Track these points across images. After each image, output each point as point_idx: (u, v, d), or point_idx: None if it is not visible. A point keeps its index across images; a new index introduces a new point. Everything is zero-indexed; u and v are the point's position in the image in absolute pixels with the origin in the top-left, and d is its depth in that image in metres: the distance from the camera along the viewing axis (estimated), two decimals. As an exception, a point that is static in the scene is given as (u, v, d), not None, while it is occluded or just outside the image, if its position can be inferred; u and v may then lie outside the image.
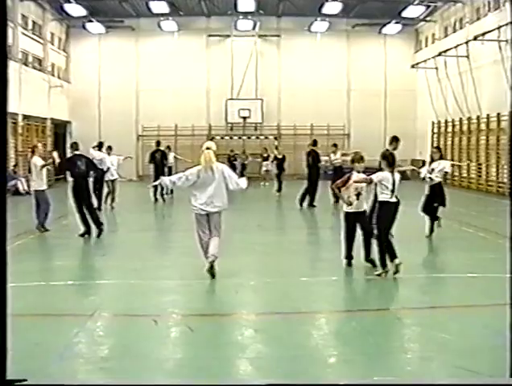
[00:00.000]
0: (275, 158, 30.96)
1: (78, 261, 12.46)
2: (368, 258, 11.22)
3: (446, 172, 15.84)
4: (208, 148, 10.57)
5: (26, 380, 4.65)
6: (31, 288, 10.06)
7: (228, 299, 9.68)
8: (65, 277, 10.72)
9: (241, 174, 29.80)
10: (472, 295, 10.02)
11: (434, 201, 15.04)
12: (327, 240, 15.51)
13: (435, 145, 36.57)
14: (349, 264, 11.32)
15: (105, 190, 22.98)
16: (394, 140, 14.01)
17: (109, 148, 24.24)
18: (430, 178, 15.11)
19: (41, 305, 9.18)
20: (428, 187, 15.25)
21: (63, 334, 7.58)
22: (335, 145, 25.46)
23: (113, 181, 23.43)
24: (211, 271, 10.34)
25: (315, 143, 24.09)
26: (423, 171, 15.36)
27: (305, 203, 22.16)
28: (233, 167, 30.65)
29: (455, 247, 14.75)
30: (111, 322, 8.49)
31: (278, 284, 10.45)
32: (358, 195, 11.00)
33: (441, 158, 15.66)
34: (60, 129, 38.91)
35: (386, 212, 10.34)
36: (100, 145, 23.47)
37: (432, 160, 15.66)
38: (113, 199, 23.36)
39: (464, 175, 32.16)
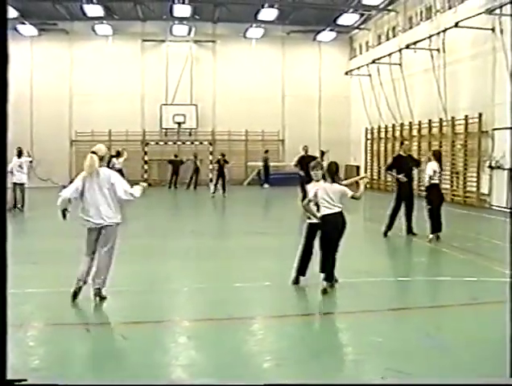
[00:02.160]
0: (217, 161, 32.05)
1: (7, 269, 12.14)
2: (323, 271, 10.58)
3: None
4: (93, 152, 9.51)
5: (26, 380, 4.53)
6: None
7: (160, 305, 9.59)
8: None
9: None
10: (403, 298, 10.20)
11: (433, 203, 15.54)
12: (264, 245, 15.52)
13: (368, 150, 37.16)
14: (297, 281, 10.59)
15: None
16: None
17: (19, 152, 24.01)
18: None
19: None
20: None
21: (-9, 344, 7.39)
22: (322, 152, 25.58)
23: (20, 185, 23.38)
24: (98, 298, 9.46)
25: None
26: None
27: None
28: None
29: (388, 251, 15.00)
30: (42, 331, 8.32)
31: (211, 289, 10.42)
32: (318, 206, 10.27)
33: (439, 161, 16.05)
34: (-9, 133, 38.02)
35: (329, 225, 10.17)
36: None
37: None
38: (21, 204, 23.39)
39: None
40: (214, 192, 30.62)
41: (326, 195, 10.01)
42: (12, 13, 34.85)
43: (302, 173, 22.08)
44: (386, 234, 16.07)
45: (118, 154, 28.30)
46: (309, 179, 10.78)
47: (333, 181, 10.11)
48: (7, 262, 4.18)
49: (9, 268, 11.26)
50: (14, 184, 23.09)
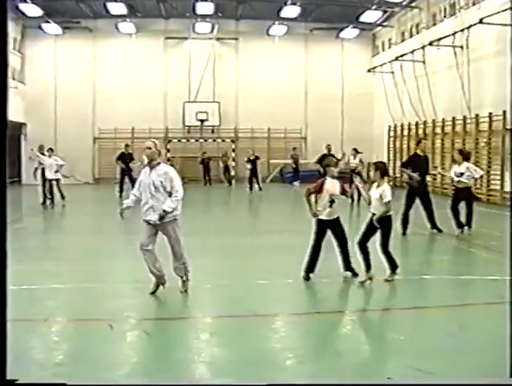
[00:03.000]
0: (249, 159, 32.74)
1: (32, 265, 12.27)
2: (348, 267, 10.85)
3: (475, 178, 16.26)
4: (149, 147, 9.78)
5: (17, 380, 4.59)
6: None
7: (184, 302, 9.63)
8: (19, 281, 10.55)
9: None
10: (426, 297, 10.16)
11: (459, 202, 15.78)
12: (288, 243, 15.52)
13: (391, 148, 37.01)
14: (307, 277, 10.71)
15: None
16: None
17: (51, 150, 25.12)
18: (459, 181, 15.76)
19: (-6, 309, 9.03)
20: (456, 189, 15.96)
21: (16, 340, 7.45)
22: (355, 150, 25.68)
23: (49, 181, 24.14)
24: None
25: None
26: (452, 174, 16.02)
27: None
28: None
29: (411, 249, 14.94)
30: (65, 326, 8.40)
31: (234, 286, 10.44)
32: (332, 202, 10.55)
33: (467, 160, 16.12)
34: (15, 131, 38.34)
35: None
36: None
37: (455, 163, 16.15)
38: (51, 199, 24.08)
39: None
40: (251, 189, 31.71)
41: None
42: (37, 11, 35.16)
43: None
44: (404, 233, 15.99)
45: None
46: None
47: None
48: (7, 262, 4.21)
49: (34, 265, 11.42)
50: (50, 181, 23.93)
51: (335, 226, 10.74)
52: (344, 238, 10.78)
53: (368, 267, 10.41)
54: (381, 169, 10.56)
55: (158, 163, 9.70)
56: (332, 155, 24.13)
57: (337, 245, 10.89)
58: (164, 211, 9.36)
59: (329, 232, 10.81)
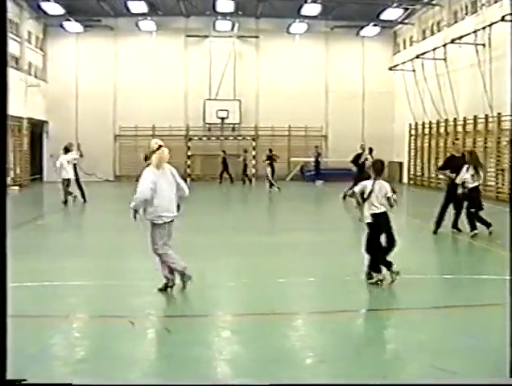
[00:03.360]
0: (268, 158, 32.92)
1: (53, 262, 12.35)
2: (385, 265, 10.50)
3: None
4: (160, 145, 9.80)
5: (25, 380, 4.62)
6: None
7: (204, 300, 9.64)
8: (41, 277, 10.63)
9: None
10: (448, 296, 10.10)
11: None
12: (309, 241, 15.50)
13: (412, 146, 36.85)
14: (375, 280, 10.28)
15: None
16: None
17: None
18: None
19: (16, 306, 9.07)
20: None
21: (38, 336, 7.52)
22: (371, 149, 25.75)
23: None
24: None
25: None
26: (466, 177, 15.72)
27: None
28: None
29: (433, 248, 14.86)
30: (87, 323, 8.44)
31: (255, 285, 10.44)
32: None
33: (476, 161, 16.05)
34: (37, 128, 38.62)
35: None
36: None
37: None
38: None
39: (441, 177, 32.27)
40: (271, 187, 31.61)
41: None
42: (58, 10, 35.42)
43: (355, 169, 23.97)
44: (436, 231, 15.90)
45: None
46: (361, 177, 10.84)
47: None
48: (7, 262, 4.22)
49: (55, 262, 11.48)
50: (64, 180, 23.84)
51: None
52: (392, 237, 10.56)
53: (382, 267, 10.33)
54: (375, 168, 10.47)
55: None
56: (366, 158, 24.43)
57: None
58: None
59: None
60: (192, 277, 9.72)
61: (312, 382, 6.21)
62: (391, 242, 10.35)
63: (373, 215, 10.11)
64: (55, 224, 19.81)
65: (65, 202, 23.66)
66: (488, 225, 15.55)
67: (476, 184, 15.54)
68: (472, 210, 15.47)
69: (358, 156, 24.78)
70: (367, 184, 10.22)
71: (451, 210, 16.14)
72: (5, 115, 3.97)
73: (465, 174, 15.43)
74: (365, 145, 25.95)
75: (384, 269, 10.23)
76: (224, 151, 38.02)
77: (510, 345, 5.12)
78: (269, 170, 32.56)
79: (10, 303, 9.16)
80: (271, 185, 31.94)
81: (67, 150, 24.28)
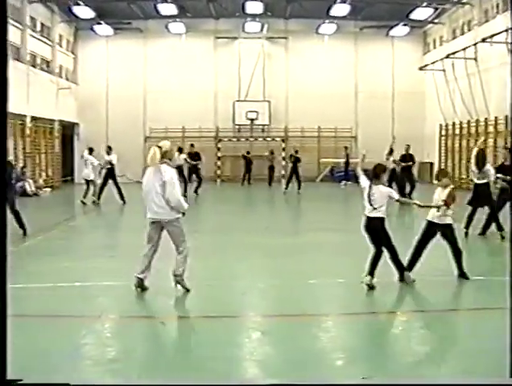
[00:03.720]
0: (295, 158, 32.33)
1: (86, 263, 12.46)
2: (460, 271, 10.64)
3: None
4: (157, 146, 9.67)
5: (21, 380, 4.65)
6: (40, 289, 10.08)
7: (235, 301, 9.67)
8: (73, 278, 10.73)
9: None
10: (481, 298, 10.01)
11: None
12: (338, 242, 15.45)
13: (442, 147, 36.58)
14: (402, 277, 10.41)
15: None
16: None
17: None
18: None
19: (49, 306, 9.20)
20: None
21: (71, 336, 7.60)
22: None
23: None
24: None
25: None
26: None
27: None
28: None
29: (465, 249, 14.72)
30: (119, 323, 8.51)
31: (285, 286, 10.44)
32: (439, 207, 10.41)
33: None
34: (68, 130, 38.99)
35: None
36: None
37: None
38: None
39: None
40: (287, 188, 31.12)
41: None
42: (89, 14, 35.76)
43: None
44: (502, 235, 15.72)
45: (180, 150, 28.49)
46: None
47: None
48: (7, 263, 4.25)
49: (86, 262, 11.57)
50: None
51: (446, 231, 10.54)
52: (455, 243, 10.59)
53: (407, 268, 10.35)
54: (374, 172, 10.34)
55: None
56: (411, 155, 24.48)
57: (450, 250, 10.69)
58: None
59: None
60: (138, 283, 9.72)
61: (343, 382, 6.21)
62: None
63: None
64: (86, 225, 19.99)
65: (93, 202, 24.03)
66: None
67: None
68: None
69: (404, 156, 25.10)
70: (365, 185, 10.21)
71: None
72: (5, 114, 4.01)
73: None
74: (409, 147, 26.01)
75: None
76: (248, 152, 38.12)
77: (510, 345, 5.08)
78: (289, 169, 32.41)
79: (44, 304, 9.31)
80: (287, 185, 31.59)
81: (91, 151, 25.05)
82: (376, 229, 10.06)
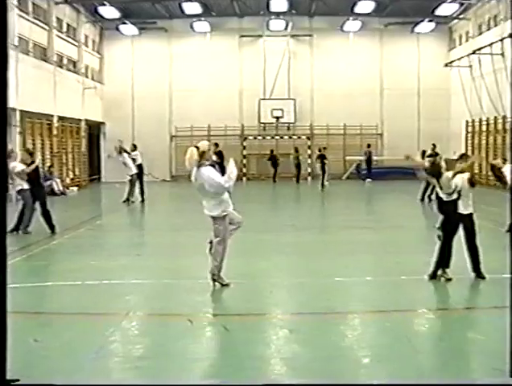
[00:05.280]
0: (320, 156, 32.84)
1: (113, 261, 12.54)
2: (476, 269, 10.47)
3: None
4: (195, 146, 9.88)
5: (18, 380, 4.69)
6: (68, 287, 10.17)
7: (262, 299, 9.67)
8: (100, 276, 10.81)
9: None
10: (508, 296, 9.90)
11: None
12: (365, 240, 15.40)
13: (469, 144, 36.31)
14: (434, 275, 10.27)
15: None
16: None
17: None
18: None
19: (77, 304, 9.27)
20: None
21: (98, 333, 7.65)
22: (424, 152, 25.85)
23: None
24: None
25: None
26: None
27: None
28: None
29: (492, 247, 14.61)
30: (146, 321, 8.55)
31: (313, 284, 10.43)
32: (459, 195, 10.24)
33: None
34: (94, 130, 39.26)
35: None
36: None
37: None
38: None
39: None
40: (323, 186, 31.75)
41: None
42: (114, 14, 35.98)
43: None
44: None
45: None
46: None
47: None
48: (7, 263, 4.27)
49: (114, 260, 11.62)
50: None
51: (467, 222, 10.39)
52: (473, 236, 10.40)
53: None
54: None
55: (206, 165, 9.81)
56: (437, 154, 24.38)
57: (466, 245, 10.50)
58: None
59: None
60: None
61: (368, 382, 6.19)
62: None
63: None
64: (113, 224, 20.09)
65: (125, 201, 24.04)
66: None
67: None
68: None
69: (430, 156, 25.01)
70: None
71: None
72: (5, 113, 4.04)
73: None
74: (435, 146, 25.93)
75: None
76: (272, 151, 38.18)
77: (510, 345, 5.04)
78: (318, 167, 32.48)
79: (72, 301, 9.39)
80: (323, 184, 32.00)
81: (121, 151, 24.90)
82: None
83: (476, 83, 34.33)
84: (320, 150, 33.67)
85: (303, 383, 6.17)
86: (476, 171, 34.48)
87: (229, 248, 10.03)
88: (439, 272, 10.18)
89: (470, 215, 10.35)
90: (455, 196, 10.14)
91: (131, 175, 24.04)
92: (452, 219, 10.18)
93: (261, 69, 39.75)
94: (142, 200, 24.12)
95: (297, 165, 37.56)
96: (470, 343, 7.39)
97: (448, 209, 10.18)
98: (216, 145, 30.62)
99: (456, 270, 10.25)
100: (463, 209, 10.21)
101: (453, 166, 10.46)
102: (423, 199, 23.03)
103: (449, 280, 10.08)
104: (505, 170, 16.07)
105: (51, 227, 15.72)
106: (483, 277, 10.30)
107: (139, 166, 24.68)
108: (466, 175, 10.30)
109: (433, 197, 22.38)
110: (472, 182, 10.30)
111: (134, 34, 39.64)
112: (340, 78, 39.37)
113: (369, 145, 38.11)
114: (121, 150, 24.55)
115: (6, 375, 4.62)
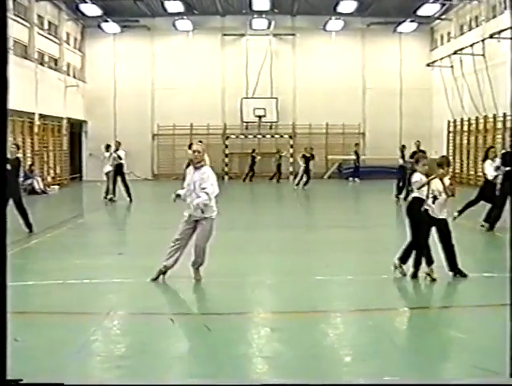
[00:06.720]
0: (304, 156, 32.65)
1: (95, 260, 12.48)
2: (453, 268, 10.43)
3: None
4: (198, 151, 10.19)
5: (22, 380, 4.64)
6: (49, 286, 10.10)
7: (244, 297, 9.67)
8: (82, 275, 10.75)
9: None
10: (488, 294, 9.98)
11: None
12: (348, 239, 15.44)
13: (450, 144, 36.50)
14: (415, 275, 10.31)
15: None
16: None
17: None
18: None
19: (58, 303, 9.22)
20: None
21: (80, 333, 7.61)
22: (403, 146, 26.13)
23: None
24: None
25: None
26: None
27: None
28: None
29: (471, 247, 14.71)
30: (128, 320, 8.52)
31: (295, 282, 10.44)
32: (434, 198, 10.14)
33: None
34: (76, 128, 39.10)
35: None
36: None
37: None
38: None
39: (480, 174, 31.94)
40: (298, 185, 31.75)
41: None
42: (96, 11, 35.81)
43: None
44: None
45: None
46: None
47: None
48: (7, 263, 4.25)
49: (95, 259, 11.58)
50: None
51: (441, 225, 10.36)
52: (449, 238, 10.35)
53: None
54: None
55: (202, 166, 10.06)
56: (423, 151, 24.38)
57: (441, 245, 10.47)
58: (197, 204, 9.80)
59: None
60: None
61: (353, 382, 6.20)
62: None
63: None
64: (95, 222, 20.01)
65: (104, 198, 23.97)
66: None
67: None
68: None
69: (414, 154, 25.03)
70: None
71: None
72: (5, 113, 4.01)
73: None
74: (420, 143, 25.98)
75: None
76: (253, 150, 38.17)
77: (510, 345, 5.07)
78: (301, 168, 32.47)
79: (53, 301, 9.33)
80: (298, 182, 32.00)
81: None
82: None
83: (457, 83, 34.50)
84: (306, 150, 33.47)
85: (303, 384, 6.17)
86: (458, 171, 34.72)
87: (210, 246, 10.06)
88: (427, 270, 10.18)
89: (444, 219, 10.38)
90: (430, 200, 10.14)
91: (107, 172, 24.09)
92: (422, 226, 10.20)
93: (243, 68, 39.75)
94: (131, 200, 23.93)
95: (278, 165, 37.62)
96: (452, 341, 7.42)
97: (419, 213, 10.16)
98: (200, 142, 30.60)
99: (436, 269, 10.29)
100: (438, 213, 10.22)
101: (433, 166, 10.39)
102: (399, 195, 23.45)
103: (434, 280, 10.08)
104: (486, 166, 16.24)
105: (28, 225, 15.53)
106: (463, 275, 10.32)
107: (120, 165, 24.44)
108: (446, 182, 10.24)
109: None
110: (448, 192, 10.21)
111: (116, 32, 39.51)
112: (323, 77, 39.44)
113: (356, 144, 38.23)
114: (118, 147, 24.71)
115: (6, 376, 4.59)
